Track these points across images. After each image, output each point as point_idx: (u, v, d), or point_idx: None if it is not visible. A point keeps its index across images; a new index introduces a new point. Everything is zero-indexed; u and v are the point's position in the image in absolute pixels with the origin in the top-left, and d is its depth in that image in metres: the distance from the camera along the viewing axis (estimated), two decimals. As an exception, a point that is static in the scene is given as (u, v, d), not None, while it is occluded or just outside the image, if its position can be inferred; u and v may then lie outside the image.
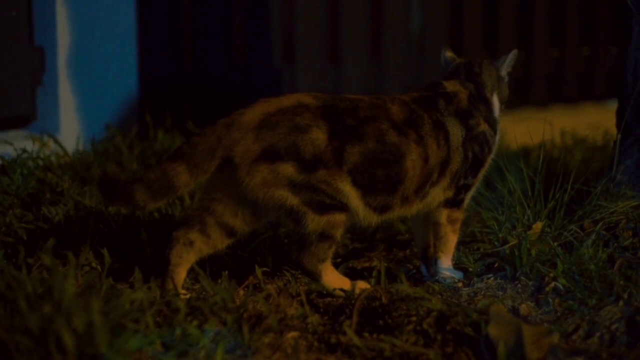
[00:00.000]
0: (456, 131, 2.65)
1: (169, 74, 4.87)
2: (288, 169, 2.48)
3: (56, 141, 3.95)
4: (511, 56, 2.79)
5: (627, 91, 3.19)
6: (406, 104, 2.65)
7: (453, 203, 2.70)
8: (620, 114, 3.23)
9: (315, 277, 2.60)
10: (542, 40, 5.64)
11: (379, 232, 3.21)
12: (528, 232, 2.70)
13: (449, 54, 2.86)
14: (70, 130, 4.21)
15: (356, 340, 2.27)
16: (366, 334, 2.34)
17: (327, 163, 2.50)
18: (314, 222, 2.53)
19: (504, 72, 2.78)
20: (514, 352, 2.20)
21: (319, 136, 2.50)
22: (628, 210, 2.84)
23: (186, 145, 2.53)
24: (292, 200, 2.51)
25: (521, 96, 5.56)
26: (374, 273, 2.63)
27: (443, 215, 2.71)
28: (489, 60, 2.81)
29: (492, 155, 2.74)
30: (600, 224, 2.79)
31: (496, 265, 2.72)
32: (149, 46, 4.68)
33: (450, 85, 2.72)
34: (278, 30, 4.77)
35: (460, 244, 2.83)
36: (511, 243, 2.67)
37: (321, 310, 2.55)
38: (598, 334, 2.33)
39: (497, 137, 2.76)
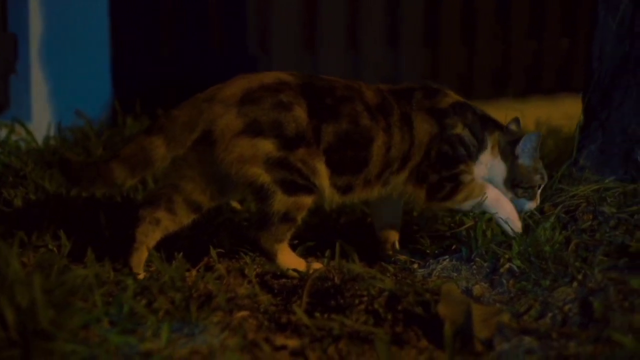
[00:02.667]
0: (423, 126, 2.62)
1: (144, 62, 4.84)
2: (268, 145, 2.47)
3: (25, 127, 3.92)
4: (528, 140, 2.67)
5: (592, 76, 3.18)
6: (380, 91, 2.64)
7: (443, 198, 2.66)
8: (586, 99, 3.22)
9: (270, 256, 2.59)
10: (520, 32, 5.62)
11: (343, 215, 3.20)
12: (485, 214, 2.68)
13: (513, 127, 2.77)
14: (43, 118, 4.19)
15: (305, 319, 2.26)
16: (317, 314, 2.33)
17: (308, 141, 2.50)
18: (280, 202, 2.51)
19: (518, 152, 2.68)
20: (462, 331, 2.18)
21: (301, 114, 2.49)
22: (589, 193, 2.83)
23: (164, 118, 2.49)
24: (264, 178, 2.49)
25: (500, 87, 5.54)
26: (327, 253, 2.61)
27: (448, 206, 2.69)
28: (519, 137, 2.70)
29: (474, 165, 2.68)
30: (560, 207, 2.78)
31: (453, 247, 2.70)
32: (123, 35, 4.65)
33: (447, 93, 2.70)
34: (254, 19, 4.75)
35: (417, 225, 2.82)
36: (467, 225, 2.66)
37: (275, 291, 2.53)
38: (550, 314, 2.31)
39: (484, 158, 2.69)
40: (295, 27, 4.82)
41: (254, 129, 2.47)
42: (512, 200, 2.70)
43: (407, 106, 2.63)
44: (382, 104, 2.60)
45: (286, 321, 2.32)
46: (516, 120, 2.78)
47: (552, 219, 2.70)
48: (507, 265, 2.52)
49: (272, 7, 4.78)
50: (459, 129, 2.65)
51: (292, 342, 2.20)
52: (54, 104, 4.24)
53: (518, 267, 2.50)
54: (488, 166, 2.69)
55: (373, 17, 5.08)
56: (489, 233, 2.62)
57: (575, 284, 2.40)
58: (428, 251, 2.72)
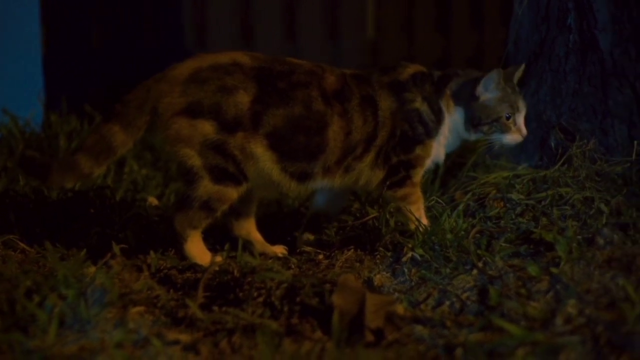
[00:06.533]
0: (386, 104, 2.60)
1: (76, 59, 4.80)
2: (207, 128, 2.47)
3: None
4: (487, 77, 2.62)
5: (508, 63, 3.17)
6: (343, 76, 2.61)
7: (393, 184, 2.63)
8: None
9: (180, 239, 2.58)
10: (461, 24, 5.61)
11: (260, 208, 3.17)
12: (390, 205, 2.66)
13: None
14: (-27, 117, 4.14)
15: (198, 313, 2.23)
16: (215, 308, 2.30)
17: (245, 126, 2.49)
18: (205, 188, 2.51)
19: (479, 91, 2.63)
20: (355, 321, 2.16)
21: (242, 99, 2.48)
22: (499, 180, 2.81)
23: (119, 104, 2.52)
24: (196, 160, 2.49)
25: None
26: (226, 246, 2.59)
27: (388, 195, 2.65)
28: (479, 75, 2.66)
29: (434, 141, 2.65)
30: (469, 194, 2.77)
31: (359, 237, 2.68)
32: (54, 31, 4.61)
33: (407, 65, 2.68)
34: (190, 12, 4.72)
35: (326, 216, 2.80)
36: (371, 215, 2.64)
37: (178, 285, 2.50)
38: (448, 302, 2.29)
39: (442, 129, 2.65)
40: (232, 20, 4.79)
41: (195, 110, 2.47)
42: (484, 140, 2.67)
43: (368, 88, 2.60)
44: (342, 89, 2.58)
45: (183, 315, 2.29)
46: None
47: (460, 207, 2.68)
48: (409, 254, 2.50)
49: (208, 0, 4.74)
50: (418, 104, 2.62)
51: (185, 337, 2.18)
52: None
53: (421, 255, 2.48)
54: (449, 128, 2.66)
55: (311, 8, 5.05)
56: (391, 222, 2.60)
57: (475, 271, 2.39)
58: (334, 242, 2.70)
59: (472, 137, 2.67)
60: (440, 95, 2.64)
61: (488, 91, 2.62)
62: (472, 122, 2.63)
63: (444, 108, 2.64)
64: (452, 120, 2.65)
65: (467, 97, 2.64)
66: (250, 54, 2.56)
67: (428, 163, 2.67)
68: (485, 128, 2.63)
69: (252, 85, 2.50)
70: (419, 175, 2.66)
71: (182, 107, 2.47)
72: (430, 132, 2.63)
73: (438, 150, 2.67)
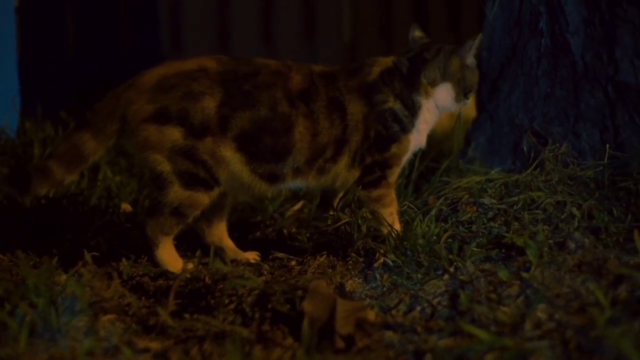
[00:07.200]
0: (356, 108, 2.59)
1: (52, 65, 4.78)
2: (175, 134, 2.48)
3: None
4: (477, 42, 2.63)
5: (481, 68, 3.18)
6: (310, 75, 2.60)
7: (368, 184, 2.63)
8: (477, 92, 3.22)
9: (152, 245, 2.58)
10: (438, 24, 5.63)
11: (234, 213, 3.17)
12: (362, 209, 2.66)
13: (417, 33, 2.73)
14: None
15: (169, 320, 2.23)
16: (187, 315, 2.30)
17: (213, 130, 2.50)
18: (176, 194, 2.52)
19: (469, 60, 2.64)
20: (326, 327, 2.16)
21: (209, 104, 2.49)
22: (472, 185, 2.82)
23: (89, 112, 2.53)
24: (165, 166, 2.50)
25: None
26: (198, 253, 2.59)
27: (362, 195, 2.65)
28: (452, 47, 2.65)
29: (410, 135, 2.63)
30: (442, 199, 2.77)
31: (331, 243, 2.69)
32: (30, 37, 4.59)
33: (374, 61, 2.66)
34: (166, 16, 4.72)
35: (299, 220, 2.80)
36: (344, 220, 2.64)
37: (150, 292, 2.50)
38: (419, 307, 2.30)
39: (419, 120, 2.64)
40: (208, 24, 4.79)
41: (162, 116, 2.48)
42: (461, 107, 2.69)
43: (335, 91, 2.60)
44: (307, 89, 2.58)
45: (155, 323, 2.28)
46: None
47: (433, 212, 2.69)
48: (381, 260, 2.50)
49: (184, 4, 4.74)
50: (391, 103, 2.62)
51: (155, 345, 2.17)
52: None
53: (393, 261, 2.49)
54: (429, 111, 2.65)
55: (287, 10, 5.05)
56: (363, 228, 2.60)
57: (446, 276, 2.39)
58: (306, 247, 2.70)
59: (461, 105, 2.69)
60: (414, 88, 2.63)
61: (470, 58, 2.65)
62: (464, 90, 2.64)
63: (420, 97, 2.63)
64: (436, 101, 2.64)
65: (456, 71, 2.63)
66: (217, 58, 2.56)
67: (405, 160, 2.67)
68: (471, 94, 2.68)
69: (218, 89, 2.51)
70: (394, 175, 2.66)
71: (150, 114, 2.48)
72: (406, 128, 2.63)
73: (417, 139, 2.66)
